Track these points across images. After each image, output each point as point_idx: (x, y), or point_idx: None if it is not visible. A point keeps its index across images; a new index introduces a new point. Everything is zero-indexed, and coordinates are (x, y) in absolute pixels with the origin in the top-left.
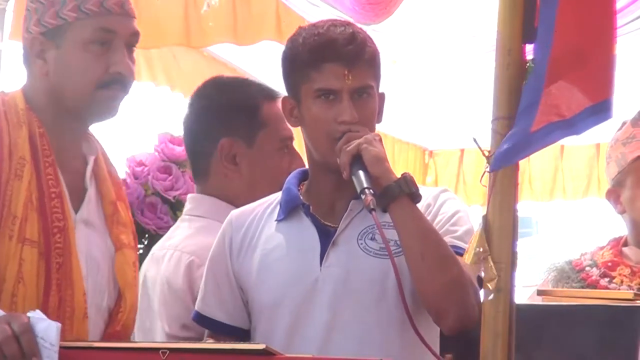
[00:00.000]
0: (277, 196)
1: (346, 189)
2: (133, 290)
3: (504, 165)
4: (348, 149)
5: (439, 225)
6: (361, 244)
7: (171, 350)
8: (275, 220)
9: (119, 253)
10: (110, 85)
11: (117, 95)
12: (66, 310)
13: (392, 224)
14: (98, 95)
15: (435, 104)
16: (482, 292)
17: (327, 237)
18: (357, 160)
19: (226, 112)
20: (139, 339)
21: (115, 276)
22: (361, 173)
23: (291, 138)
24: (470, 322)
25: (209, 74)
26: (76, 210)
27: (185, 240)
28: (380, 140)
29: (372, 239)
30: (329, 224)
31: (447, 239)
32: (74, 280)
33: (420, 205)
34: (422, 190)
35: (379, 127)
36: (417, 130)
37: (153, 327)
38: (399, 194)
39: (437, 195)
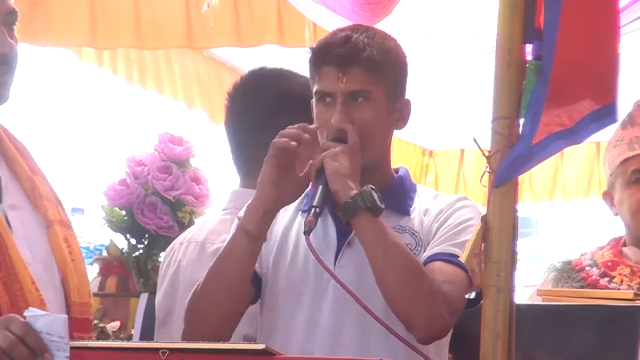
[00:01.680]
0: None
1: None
2: (70, 267)
3: (507, 180)
4: (312, 161)
5: (444, 231)
6: None
7: (171, 350)
8: (300, 210)
9: (50, 230)
10: None
11: (3, 78)
12: (21, 306)
13: (405, 228)
14: None
15: (435, 104)
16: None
17: (344, 237)
18: (322, 173)
19: (290, 103)
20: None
21: (51, 253)
22: (319, 188)
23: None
24: (440, 332)
25: (206, 74)
26: None
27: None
28: (352, 152)
29: None
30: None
31: (443, 246)
32: (18, 273)
33: (433, 212)
34: (441, 198)
35: None
36: (417, 130)
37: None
38: (356, 210)
39: (452, 202)
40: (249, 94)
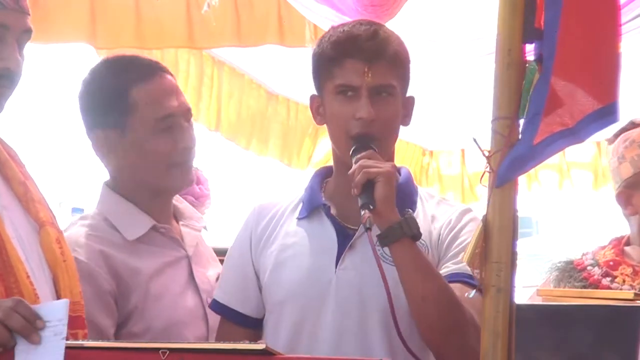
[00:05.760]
0: (302, 193)
1: None
2: (62, 267)
3: (508, 180)
4: (365, 169)
5: (458, 249)
6: (378, 250)
7: (171, 350)
8: (297, 218)
9: (42, 231)
10: None
11: (4, 91)
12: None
13: None
14: None
15: (435, 104)
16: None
17: (345, 239)
18: (369, 185)
19: (96, 100)
20: None
21: (42, 254)
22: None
23: (171, 115)
24: None
25: (197, 73)
26: None
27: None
28: (396, 172)
29: None
30: (349, 225)
31: (462, 266)
32: (13, 266)
33: (441, 220)
34: (446, 206)
35: None
36: (417, 130)
37: None
38: (400, 236)
39: (461, 213)
40: (79, 90)
